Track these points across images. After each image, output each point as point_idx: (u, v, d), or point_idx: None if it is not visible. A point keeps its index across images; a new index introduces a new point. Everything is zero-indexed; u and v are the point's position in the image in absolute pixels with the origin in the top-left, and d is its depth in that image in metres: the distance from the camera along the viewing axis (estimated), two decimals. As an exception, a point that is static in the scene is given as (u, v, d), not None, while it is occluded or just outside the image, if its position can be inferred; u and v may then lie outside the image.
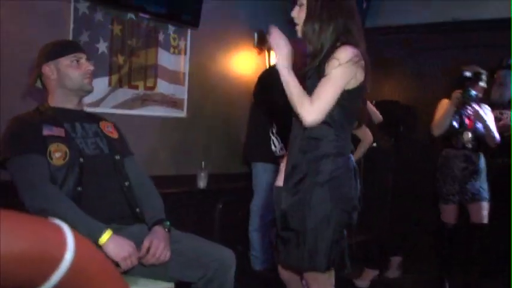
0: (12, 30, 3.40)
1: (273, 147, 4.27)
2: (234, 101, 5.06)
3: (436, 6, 5.75)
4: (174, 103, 4.57)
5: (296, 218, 2.37)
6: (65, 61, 2.50)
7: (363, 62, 2.34)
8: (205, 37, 4.76)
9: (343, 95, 2.30)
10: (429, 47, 5.90)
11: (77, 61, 2.52)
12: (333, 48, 2.33)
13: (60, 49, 2.54)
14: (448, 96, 4.47)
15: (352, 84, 2.33)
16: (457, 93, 4.37)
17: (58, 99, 2.53)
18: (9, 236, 0.71)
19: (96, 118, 2.68)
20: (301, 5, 2.45)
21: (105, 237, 2.15)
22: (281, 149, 4.19)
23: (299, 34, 2.48)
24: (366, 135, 4.54)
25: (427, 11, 5.80)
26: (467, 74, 4.41)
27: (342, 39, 2.36)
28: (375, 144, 4.70)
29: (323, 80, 2.28)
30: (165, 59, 4.46)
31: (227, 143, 5.11)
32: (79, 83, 2.51)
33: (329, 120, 2.32)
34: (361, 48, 2.37)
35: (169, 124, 4.58)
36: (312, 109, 2.25)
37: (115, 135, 2.66)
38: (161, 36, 4.42)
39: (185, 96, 4.66)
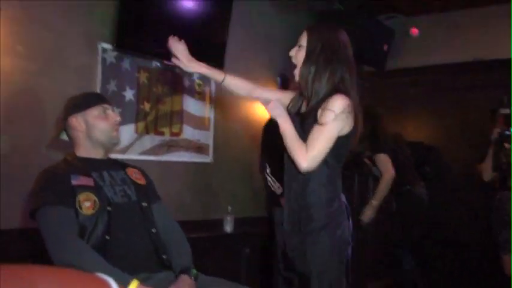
0: (43, 83, 3.51)
1: (271, 188, 4.24)
2: (258, 146, 5.09)
3: (456, 47, 5.79)
4: (200, 148, 4.62)
5: (298, 262, 2.44)
6: (93, 112, 2.53)
7: (353, 113, 2.39)
8: (229, 83, 4.82)
9: (335, 141, 2.37)
10: (451, 87, 5.91)
11: (104, 112, 2.55)
12: (327, 96, 2.38)
13: (87, 101, 2.57)
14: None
15: (345, 131, 2.39)
16: (494, 133, 4.25)
17: (85, 150, 2.56)
18: None
19: (122, 165, 2.70)
20: (300, 46, 2.51)
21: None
22: (278, 187, 4.16)
23: (296, 76, 2.54)
24: (385, 166, 4.48)
25: (448, 52, 5.84)
26: (502, 111, 4.28)
27: (338, 87, 2.41)
28: (408, 187, 4.66)
29: (318, 129, 2.34)
30: (190, 105, 4.53)
31: (253, 187, 5.12)
32: (107, 134, 2.54)
33: (321, 164, 2.38)
34: (353, 99, 2.41)
35: (195, 169, 4.62)
36: (307, 157, 2.31)
37: (142, 182, 2.67)
38: (186, 83, 4.51)
39: (210, 142, 4.71)
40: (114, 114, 2.59)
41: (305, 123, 2.43)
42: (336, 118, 2.30)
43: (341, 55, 2.45)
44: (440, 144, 5.83)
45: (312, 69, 2.43)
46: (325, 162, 2.38)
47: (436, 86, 6.07)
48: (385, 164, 4.53)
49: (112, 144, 2.60)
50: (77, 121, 2.53)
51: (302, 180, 2.43)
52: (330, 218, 2.39)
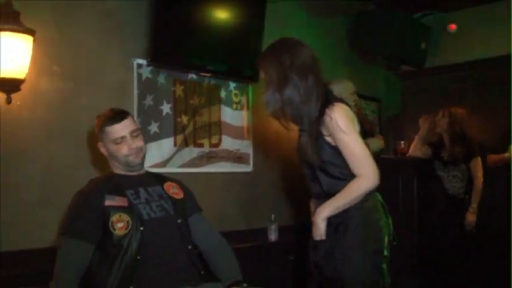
0: (80, 102, 3.53)
1: None
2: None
3: (493, 41, 5.71)
4: (240, 158, 4.61)
5: (330, 267, 2.37)
6: (110, 138, 2.54)
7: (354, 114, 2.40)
8: (266, 91, 4.80)
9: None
10: (491, 82, 5.82)
11: (121, 139, 2.53)
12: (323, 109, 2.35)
13: (103, 128, 2.56)
14: None
15: None
16: None
17: (119, 169, 2.61)
18: None
19: (160, 179, 2.72)
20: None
21: None
22: None
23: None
24: (480, 172, 4.72)
25: (486, 47, 5.77)
26: None
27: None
28: None
29: (345, 149, 2.30)
30: (228, 115, 4.52)
31: (295, 194, 5.07)
32: (124, 160, 2.56)
33: (343, 173, 2.36)
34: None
35: (237, 179, 4.60)
36: (366, 176, 2.29)
37: (180, 196, 2.68)
38: (223, 93, 4.50)
39: (250, 151, 4.69)
40: (132, 141, 2.55)
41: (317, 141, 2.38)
42: (348, 133, 2.29)
43: (299, 68, 2.48)
44: (491, 139, 5.65)
45: (281, 95, 2.42)
46: (344, 174, 2.35)
47: (476, 81, 5.97)
48: (480, 168, 4.75)
49: (131, 166, 2.60)
50: (101, 147, 2.61)
51: (332, 187, 2.39)
52: (365, 216, 2.35)
